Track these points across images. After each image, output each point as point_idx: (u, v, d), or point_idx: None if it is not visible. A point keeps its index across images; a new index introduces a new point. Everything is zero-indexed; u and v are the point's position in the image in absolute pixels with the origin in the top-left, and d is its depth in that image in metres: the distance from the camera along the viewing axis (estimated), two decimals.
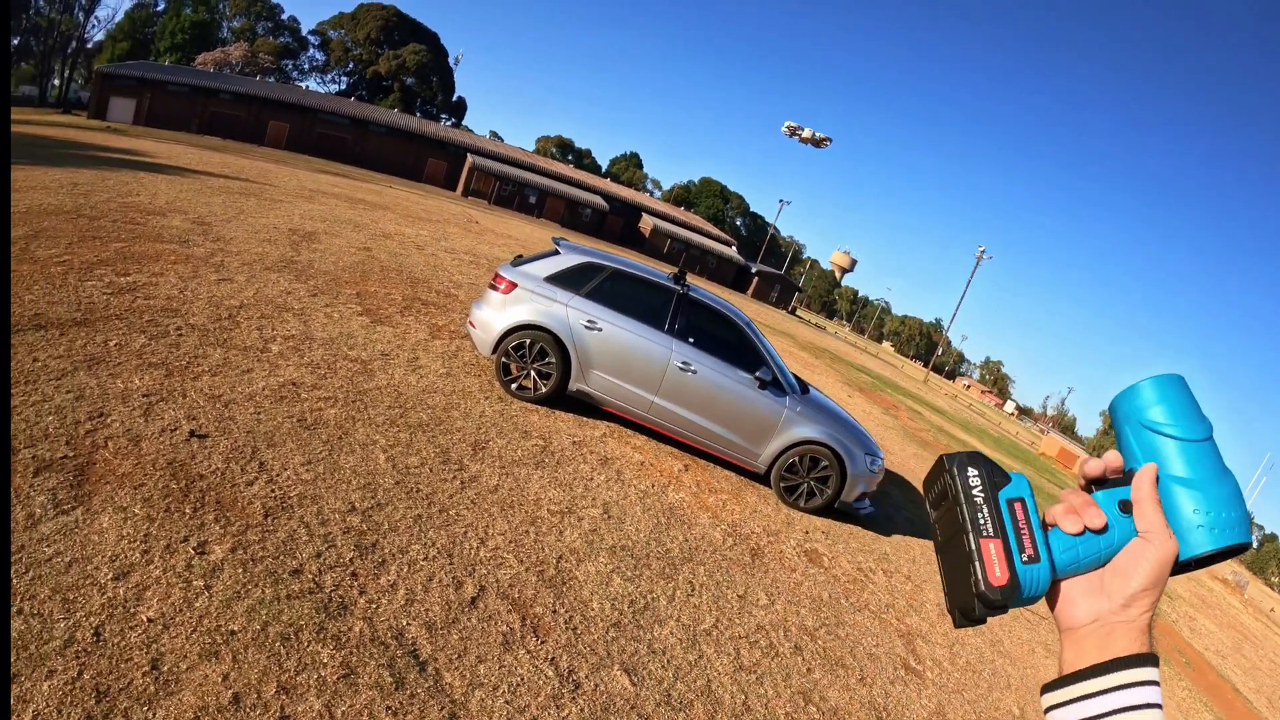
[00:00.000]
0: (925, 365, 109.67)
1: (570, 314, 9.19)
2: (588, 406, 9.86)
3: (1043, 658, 8.92)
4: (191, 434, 5.80)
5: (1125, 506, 0.99)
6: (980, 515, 1.00)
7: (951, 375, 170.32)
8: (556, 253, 9.65)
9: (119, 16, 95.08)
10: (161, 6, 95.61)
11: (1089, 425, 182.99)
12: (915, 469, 16.25)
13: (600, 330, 9.18)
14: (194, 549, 4.48)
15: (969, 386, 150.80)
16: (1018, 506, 1.01)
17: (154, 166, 19.43)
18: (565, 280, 9.38)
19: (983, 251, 73.68)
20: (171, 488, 5.02)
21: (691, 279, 10.45)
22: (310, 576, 4.67)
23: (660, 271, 10.12)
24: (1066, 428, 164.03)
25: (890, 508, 11.96)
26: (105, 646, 3.55)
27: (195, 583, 4.20)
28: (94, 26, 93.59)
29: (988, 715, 6.85)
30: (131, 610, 3.85)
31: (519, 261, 9.71)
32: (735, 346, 9.60)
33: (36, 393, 5.61)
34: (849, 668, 6.44)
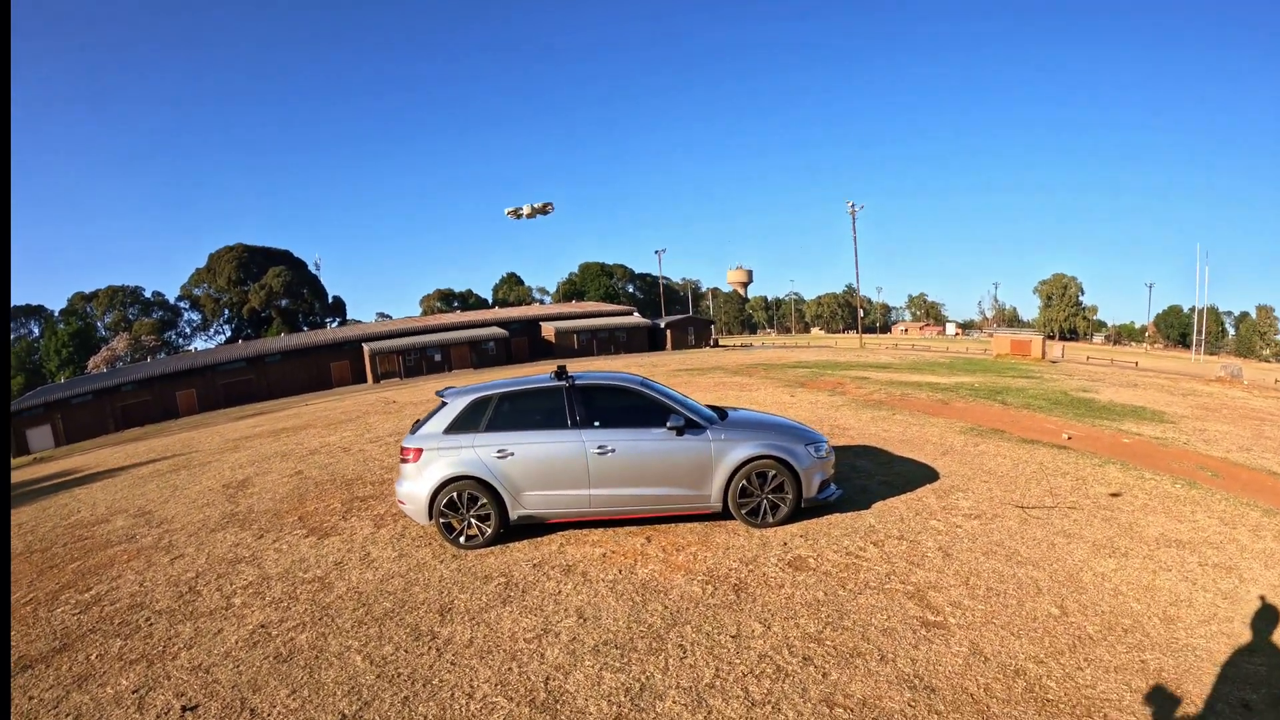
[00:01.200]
0: (856, 332, 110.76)
1: (479, 453, 9.21)
2: (539, 527, 9.82)
3: (1064, 546, 8.74)
4: (184, 710, 5.88)
5: None
6: None
7: (885, 328, 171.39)
8: (444, 404, 9.69)
9: None
10: (37, 332, 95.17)
11: (1029, 307, 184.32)
12: (878, 432, 16.28)
13: (513, 455, 9.19)
14: None
15: (906, 330, 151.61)
16: None
17: (86, 479, 19.25)
18: (461, 424, 9.41)
19: (853, 205, 75.11)
20: None
21: (603, 363, 10.53)
22: None
23: (541, 376, 10.14)
24: (1010, 320, 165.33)
25: (862, 479, 11.91)
26: None
27: None
28: None
29: (1026, 630, 6.69)
30: None
31: (417, 426, 9.72)
32: (639, 409, 9.59)
33: None
34: (865, 653, 6.35)
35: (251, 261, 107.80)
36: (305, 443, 19.87)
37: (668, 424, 9.27)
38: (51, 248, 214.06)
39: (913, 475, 12.17)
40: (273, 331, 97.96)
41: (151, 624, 7.72)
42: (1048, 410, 19.85)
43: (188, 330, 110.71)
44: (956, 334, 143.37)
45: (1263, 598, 7.29)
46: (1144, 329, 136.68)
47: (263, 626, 7.42)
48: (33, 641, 7.50)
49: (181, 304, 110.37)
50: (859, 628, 6.82)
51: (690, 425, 9.38)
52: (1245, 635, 6.56)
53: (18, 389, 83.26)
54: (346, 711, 5.68)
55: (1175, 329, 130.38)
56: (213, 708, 5.86)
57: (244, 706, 5.84)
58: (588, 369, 10.59)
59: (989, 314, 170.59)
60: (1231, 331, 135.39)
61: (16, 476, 25.82)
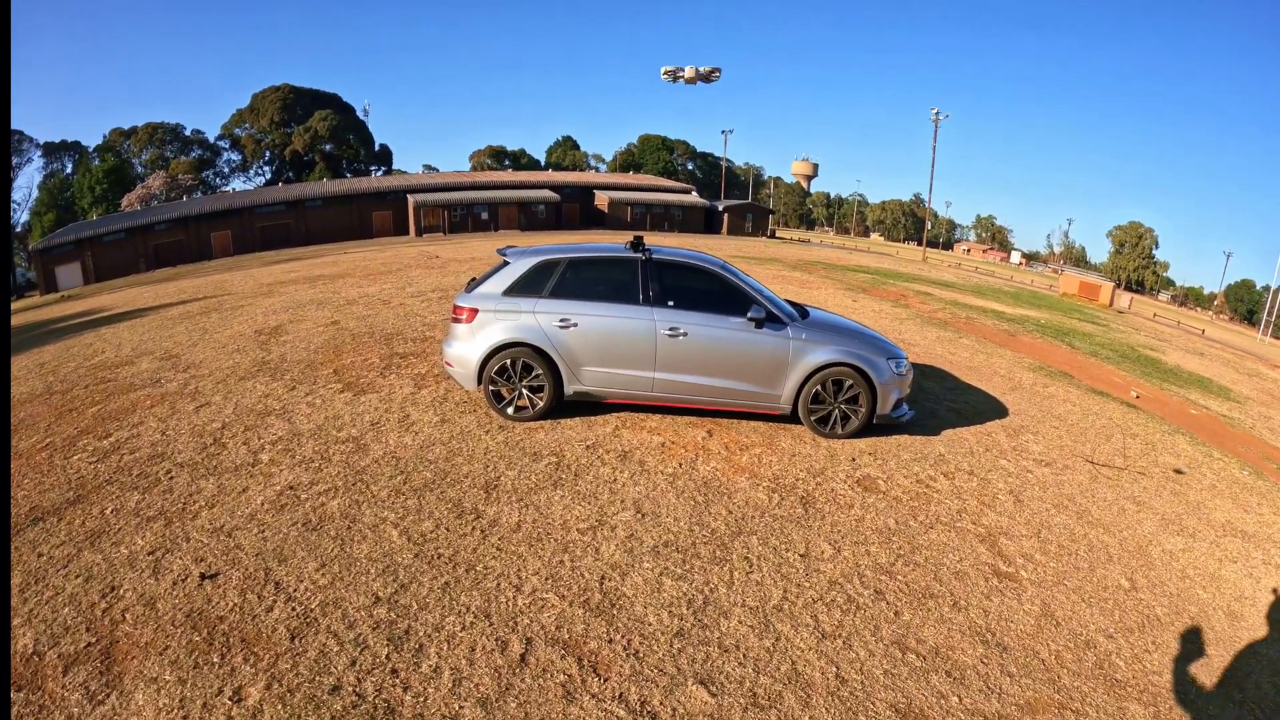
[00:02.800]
0: (919, 244, 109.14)
1: (540, 320, 8.80)
2: (593, 405, 9.49)
3: (1134, 514, 8.48)
4: (202, 577, 5.56)
5: None
6: None
7: (948, 245, 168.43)
8: (506, 263, 9.24)
9: (35, 192, 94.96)
10: (70, 169, 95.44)
11: (1099, 250, 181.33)
12: (944, 354, 15.85)
13: (576, 325, 8.77)
14: (230, 698, 4.30)
15: (969, 250, 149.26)
16: None
17: (113, 318, 19.12)
18: (523, 288, 8.98)
19: (937, 113, 72.84)
20: (195, 640, 4.82)
21: (659, 238, 9.99)
22: (350, 689, 4.43)
23: (616, 245, 9.65)
24: (1078, 260, 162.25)
25: (931, 402, 11.57)
26: None
27: None
28: (17, 209, 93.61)
29: (1097, 598, 6.50)
30: None
31: (473, 285, 9.31)
32: (718, 295, 9.12)
33: (48, 588, 5.43)
34: (938, 596, 6.10)
35: (297, 103, 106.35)
36: (343, 292, 19.61)
37: (748, 314, 8.81)
38: (91, 84, 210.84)
39: (981, 407, 11.81)
40: (315, 176, 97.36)
41: (172, 477, 7.39)
42: (1115, 363, 19.35)
43: (226, 170, 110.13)
44: (1021, 263, 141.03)
45: None
46: (1213, 296, 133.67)
47: (291, 488, 7.12)
48: (46, 491, 7.16)
49: (221, 144, 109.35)
50: (931, 566, 6.58)
51: (770, 319, 8.92)
52: None
53: (49, 226, 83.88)
54: (380, 593, 5.42)
55: (1244, 304, 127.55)
56: (234, 577, 5.58)
57: (268, 579, 5.56)
58: (659, 244, 10.01)
59: (1057, 249, 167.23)
60: None
61: (42, 314, 26.05)
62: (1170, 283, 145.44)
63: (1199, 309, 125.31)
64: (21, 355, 14.39)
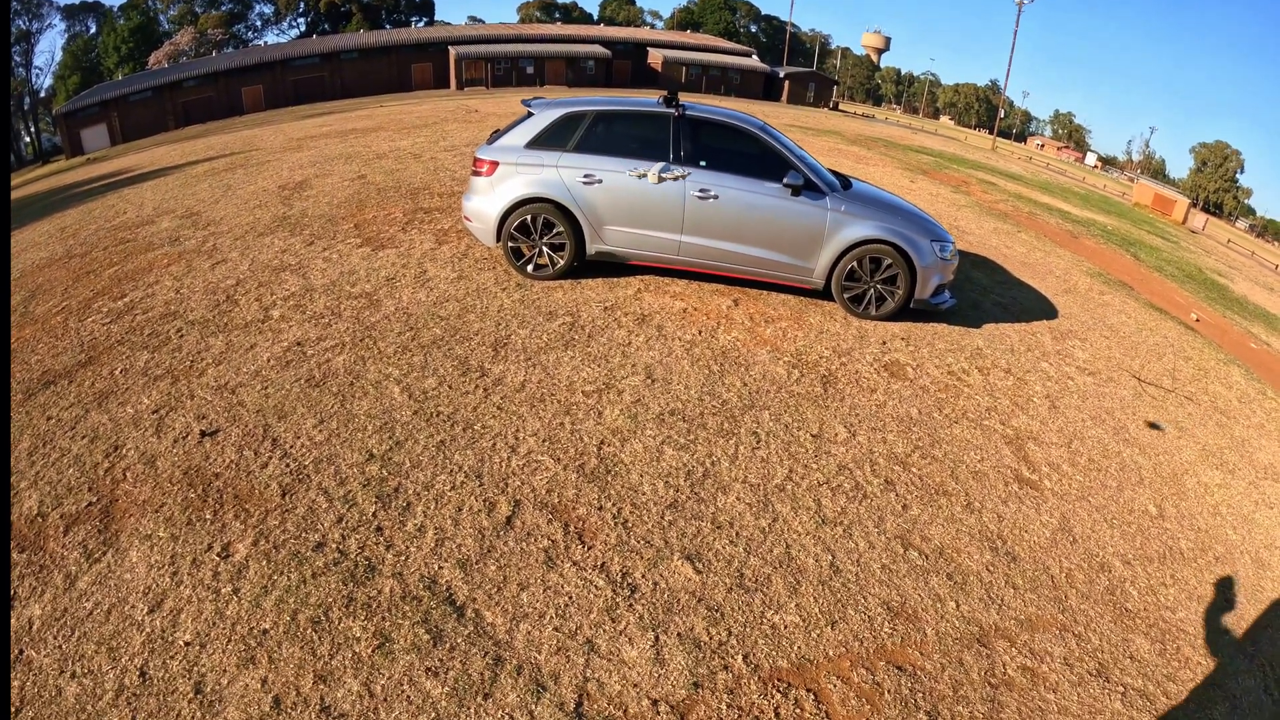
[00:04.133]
0: (990, 132, 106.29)
1: (563, 174, 8.60)
2: (616, 266, 9.39)
3: (1174, 439, 8.29)
4: (202, 434, 5.69)
5: None
6: None
7: (1021, 137, 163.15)
8: (530, 115, 9.00)
9: (59, 55, 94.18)
10: (94, 29, 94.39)
11: (1179, 166, 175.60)
12: (999, 246, 15.41)
13: (601, 182, 8.58)
14: (218, 555, 4.46)
15: (1043, 146, 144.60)
16: None
17: (137, 178, 19.09)
18: (547, 140, 8.76)
19: None
20: (190, 497, 4.96)
21: (714, 101, 9.71)
22: (334, 546, 4.56)
23: (649, 99, 9.37)
24: (1155, 172, 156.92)
25: (976, 293, 11.31)
26: (151, 684, 3.67)
27: (224, 590, 4.20)
28: (39, 74, 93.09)
29: (1120, 521, 6.40)
30: (170, 639, 3.90)
31: (495, 137, 9.13)
32: (754, 157, 8.82)
33: (54, 449, 5.58)
34: (952, 494, 6.05)
35: None
36: (373, 146, 19.40)
37: (784, 180, 8.48)
38: None
39: (1030, 305, 11.52)
40: (352, 27, 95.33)
41: (183, 336, 7.48)
42: (1179, 281, 18.77)
43: (258, 24, 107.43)
44: (1096, 166, 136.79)
45: None
46: None
47: (298, 344, 7.18)
48: (59, 355, 7.27)
49: None
50: (949, 461, 6.51)
51: (809, 187, 8.62)
52: None
53: (73, 89, 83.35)
54: (375, 450, 5.50)
55: None
56: (233, 434, 5.68)
57: (266, 435, 5.67)
58: (699, 102, 9.75)
59: (1135, 157, 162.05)
60: None
61: (66, 179, 26.23)
62: (1250, 211, 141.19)
63: (1275, 242, 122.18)
64: (43, 221, 14.57)
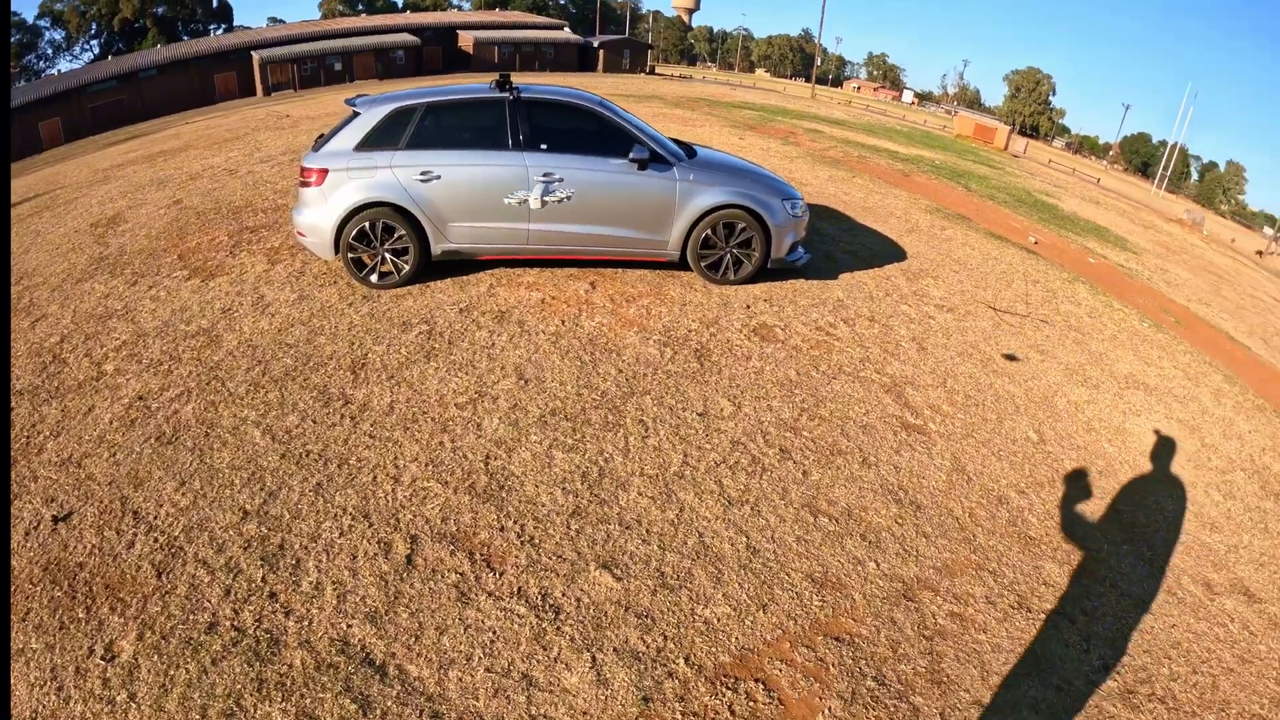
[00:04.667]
0: (807, 80, 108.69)
1: (398, 174, 8.26)
2: (464, 263, 9.09)
3: (1038, 363, 8.68)
4: (55, 520, 5.11)
5: None
6: None
7: (837, 82, 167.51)
8: (356, 115, 8.60)
9: None
10: None
11: (994, 94, 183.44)
12: (838, 194, 15.74)
13: (439, 178, 8.28)
14: (102, 658, 4.01)
15: (859, 88, 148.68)
16: None
17: None
18: (377, 140, 8.39)
19: None
20: (57, 596, 4.45)
21: (530, 78, 9.48)
22: (228, 624, 4.19)
23: (481, 85, 9.06)
24: (972, 102, 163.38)
25: (826, 244, 11.52)
26: None
27: (119, 698, 3.77)
28: None
29: (1007, 452, 6.67)
30: None
31: (321, 142, 8.70)
32: (596, 135, 8.68)
33: None
34: (846, 453, 6.14)
35: None
36: (185, 167, 18.35)
37: (630, 155, 8.38)
38: None
39: (879, 250, 11.82)
40: (148, 43, 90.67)
41: (12, 410, 6.79)
42: (1012, 207, 19.68)
43: (49, 52, 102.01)
44: (913, 103, 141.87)
45: (1222, 471, 7.61)
46: (1108, 146, 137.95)
47: (140, 399, 6.61)
48: None
49: (41, 23, 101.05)
50: (837, 419, 6.61)
51: (655, 159, 8.53)
52: (1208, 509, 6.86)
53: None
54: (248, 506, 5.11)
55: (1139, 156, 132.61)
56: (88, 514, 5.15)
57: (125, 508, 5.16)
58: (530, 83, 9.54)
59: (951, 90, 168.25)
60: (1195, 177, 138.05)
61: None
62: (1065, 130, 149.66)
63: (1093, 157, 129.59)
64: None
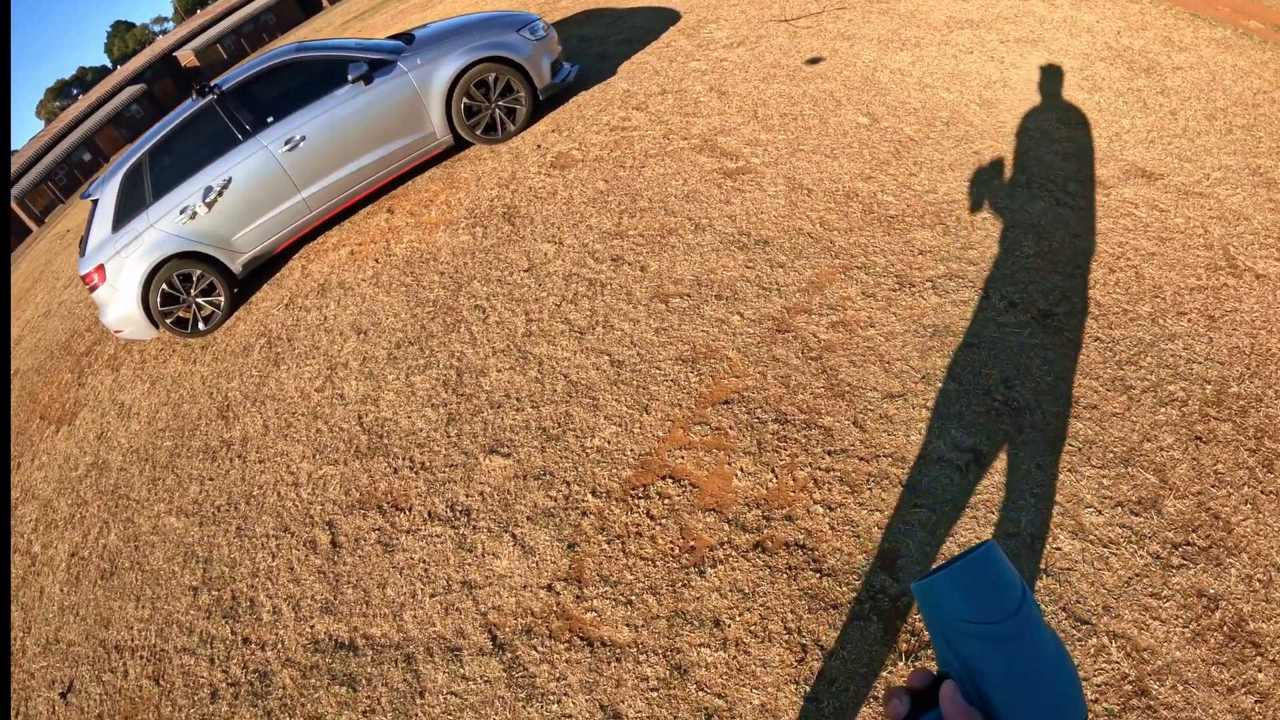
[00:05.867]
0: None
1: (162, 226, 8.35)
2: (269, 264, 9.29)
3: (847, 51, 8.57)
4: (63, 695, 5.47)
5: None
6: None
7: None
8: (96, 202, 8.65)
9: None
10: None
11: None
12: None
13: (200, 207, 8.39)
14: None
15: None
16: None
17: None
18: (126, 210, 8.44)
19: None
20: None
21: (265, 50, 9.38)
22: (225, 685, 4.59)
23: (184, 105, 8.98)
24: None
25: (595, 45, 11.51)
26: None
27: None
28: None
29: (840, 148, 6.73)
30: None
31: (84, 245, 8.77)
32: (310, 80, 8.66)
33: None
34: (676, 230, 6.34)
35: None
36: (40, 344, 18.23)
37: (349, 77, 8.40)
38: None
39: (651, 23, 11.73)
40: None
41: None
42: None
43: None
44: None
45: (1080, 70, 7.39)
46: None
47: (73, 554, 6.89)
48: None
49: None
50: (658, 203, 6.80)
51: (375, 66, 8.55)
52: (1076, 110, 6.69)
53: None
54: (194, 583, 5.46)
55: None
56: (84, 673, 5.52)
57: (107, 649, 5.53)
58: (232, 70, 9.50)
59: None
60: None
61: None
62: None
63: None
64: None
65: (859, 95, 7.55)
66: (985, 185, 5.82)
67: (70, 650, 5.85)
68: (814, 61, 8.62)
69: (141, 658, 5.22)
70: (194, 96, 8.64)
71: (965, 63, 7.71)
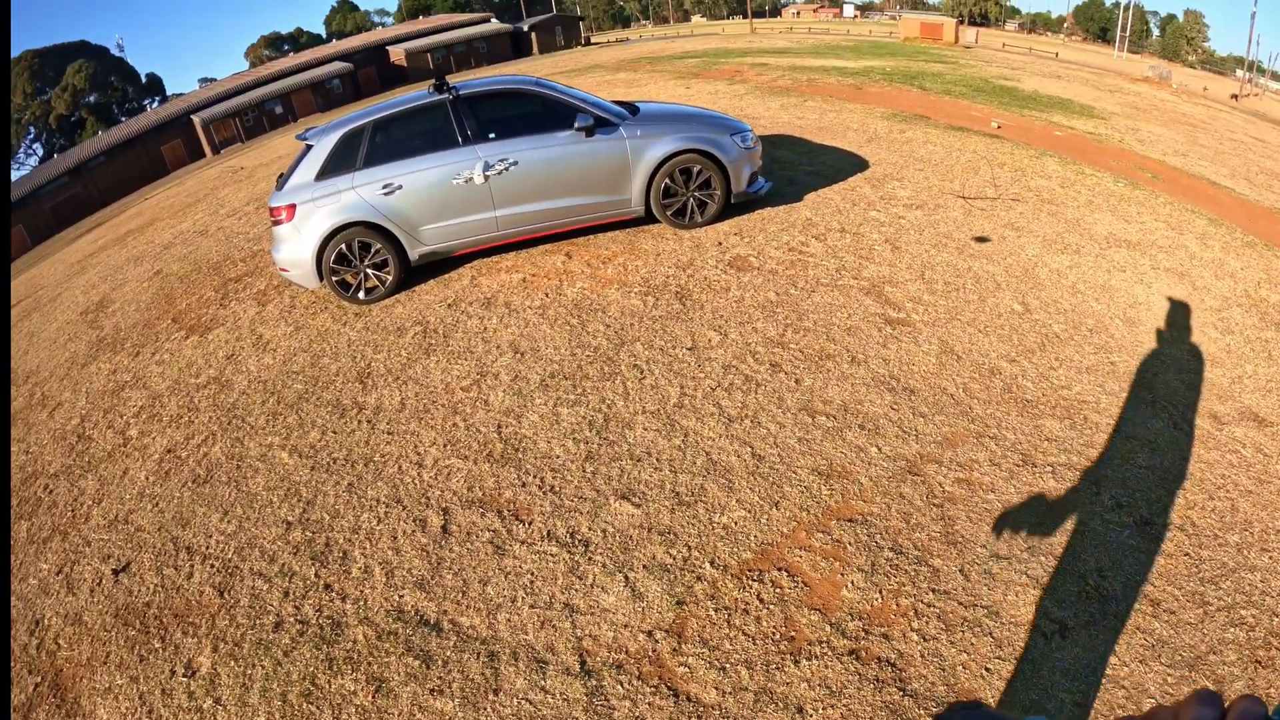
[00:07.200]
0: (744, 16, 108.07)
1: (362, 193, 8.60)
2: (442, 263, 9.45)
3: (1014, 240, 8.82)
4: (115, 573, 5.54)
5: None
6: None
7: (775, 12, 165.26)
8: (309, 147, 8.93)
9: None
10: None
11: None
12: (792, 120, 15.94)
13: (401, 187, 8.62)
14: (184, 675, 4.40)
15: (798, 13, 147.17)
16: None
17: None
18: (335, 166, 8.72)
19: None
20: (132, 635, 4.87)
21: (470, 75, 9.74)
22: (292, 620, 4.59)
23: (420, 93, 9.32)
24: (914, 3, 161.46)
25: (787, 170, 11.73)
26: None
27: (206, 705, 4.17)
28: None
29: (993, 327, 6.87)
30: None
31: (283, 181, 9.03)
32: (539, 114, 8.97)
33: None
34: (834, 356, 6.40)
35: (45, 66, 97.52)
36: (156, 239, 18.68)
37: (575, 125, 8.65)
38: None
39: (841, 164, 11.96)
40: (88, 134, 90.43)
41: (52, 491, 7.17)
42: (970, 97, 19.61)
43: None
44: (855, 16, 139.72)
45: (1217, 310, 7.69)
46: (1061, 19, 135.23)
47: (169, 451, 7.01)
48: None
49: None
50: (821, 328, 6.85)
51: (600, 123, 8.80)
52: (1206, 346, 7.00)
53: None
54: (290, 518, 5.50)
55: (1095, 23, 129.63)
56: (145, 560, 5.57)
57: (178, 547, 5.58)
58: (467, 79, 9.86)
59: None
60: (1156, 33, 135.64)
61: None
62: (1015, 11, 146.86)
63: (1049, 33, 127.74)
64: None
65: (1018, 284, 7.74)
66: (1115, 395, 6.03)
67: (137, 534, 5.92)
68: (982, 240, 8.79)
69: (212, 566, 5.25)
70: (430, 90, 8.96)
71: (1117, 279, 7.98)
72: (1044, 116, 17.48)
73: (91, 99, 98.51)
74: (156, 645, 4.71)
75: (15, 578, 6.04)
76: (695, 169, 9.03)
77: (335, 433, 6.46)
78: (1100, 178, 11.76)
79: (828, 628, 3.99)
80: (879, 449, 5.30)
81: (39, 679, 4.85)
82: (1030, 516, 4.77)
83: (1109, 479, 5.12)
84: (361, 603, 4.56)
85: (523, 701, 3.76)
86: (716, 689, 3.70)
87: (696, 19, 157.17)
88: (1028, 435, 5.46)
